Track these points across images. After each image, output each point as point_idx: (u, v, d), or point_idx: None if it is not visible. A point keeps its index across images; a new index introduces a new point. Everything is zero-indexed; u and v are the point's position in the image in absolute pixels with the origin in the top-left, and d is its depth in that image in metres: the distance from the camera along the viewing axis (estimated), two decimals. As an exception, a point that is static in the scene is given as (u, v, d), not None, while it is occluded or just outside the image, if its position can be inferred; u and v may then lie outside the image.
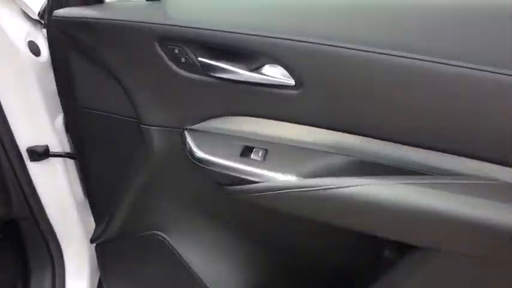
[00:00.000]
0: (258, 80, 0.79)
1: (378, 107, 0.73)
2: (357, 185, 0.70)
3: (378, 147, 0.77)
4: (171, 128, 0.92)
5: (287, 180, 0.79)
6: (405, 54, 0.66)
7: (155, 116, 0.92)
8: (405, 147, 0.73)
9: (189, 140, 0.90)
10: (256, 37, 0.75)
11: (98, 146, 1.05)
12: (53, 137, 1.05)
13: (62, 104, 1.06)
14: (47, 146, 1.05)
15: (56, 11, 0.89)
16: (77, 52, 0.94)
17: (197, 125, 0.91)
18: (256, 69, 0.80)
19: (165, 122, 0.92)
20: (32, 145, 1.02)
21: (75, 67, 0.96)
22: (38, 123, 1.01)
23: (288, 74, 0.77)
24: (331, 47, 0.71)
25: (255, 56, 0.78)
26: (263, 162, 0.84)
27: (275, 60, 0.76)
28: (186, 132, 0.91)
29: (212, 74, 0.82)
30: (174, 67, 0.84)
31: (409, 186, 0.67)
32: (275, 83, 0.78)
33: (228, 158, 0.86)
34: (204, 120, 0.90)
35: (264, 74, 0.79)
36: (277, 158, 0.82)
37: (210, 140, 0.90)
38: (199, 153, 0.88)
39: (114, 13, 0.86)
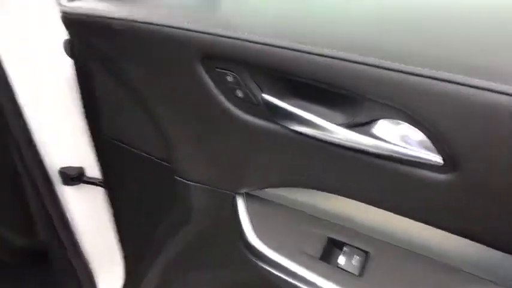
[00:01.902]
0: (370, 146, 0.43)
1: None
2: None
3: None
4: (217, 189, 0.60)
5: None
6: None
7: (195, 169, 0.61)
8: None
9: (241, 215, 0.57)
10: (375, 69, 0.39)
11: (128, 185, 0.83)
12: (90, 158, 0.86)
13: (88, 128, 0.80)
14: (82, 168, 0.87)
15: (62, 2, 0.60)
16: (98, 64, 0.66)
17: (258, 192, 0.58)
18: (367, 125, 0.44)
19: (210, 179, 0.61)
20: (65, 166, 0.85)
21: (99, 85, 0.68)
22: (73, 142, 0.83)
23: (428, 143, 0.40)
24: None
25: (368, 102, 0.42)
26: (361, 279, 0.49)
27: (405, 115, 0.40)
28: (238, 199, 0.59)
29: (285, 123, 0.48)
30: (226, 103, 0.51)
31: None
32: (403, 156, 0.41)
33: (299, 260, 0.52)
34: (268, 187, 0.57)
35: (379, 138, 0.43)
36: (388, 273, 0.48)
37: (274, 218, 0.56)
38: (256, 242, 0.55)
39: (139, 9, 0.54)
